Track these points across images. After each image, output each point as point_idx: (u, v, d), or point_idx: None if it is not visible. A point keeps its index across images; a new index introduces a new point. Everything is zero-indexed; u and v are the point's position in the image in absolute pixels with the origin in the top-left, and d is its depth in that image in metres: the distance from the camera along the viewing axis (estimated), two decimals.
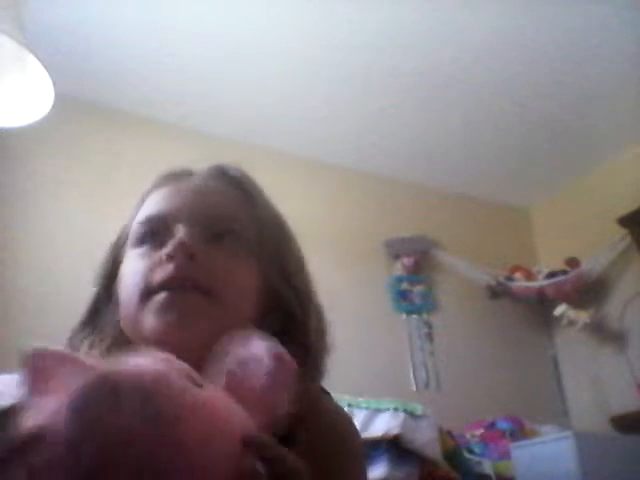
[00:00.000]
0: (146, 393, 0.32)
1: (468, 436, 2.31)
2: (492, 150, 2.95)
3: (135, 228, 0.63)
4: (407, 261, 2.88)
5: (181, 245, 0.57)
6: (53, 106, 1.51)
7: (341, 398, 1.73)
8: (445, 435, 2.06)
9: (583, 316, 2.78)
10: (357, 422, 1.87)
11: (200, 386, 0.37)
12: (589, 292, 2.86)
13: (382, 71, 2.47)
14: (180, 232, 0.59)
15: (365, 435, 1.86)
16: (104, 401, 0.31)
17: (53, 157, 2.30)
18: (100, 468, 0.31)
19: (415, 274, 2.90)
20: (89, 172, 2.34)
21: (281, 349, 0.43)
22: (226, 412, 0.37)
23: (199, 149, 2.65)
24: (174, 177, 0.67)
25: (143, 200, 0.66)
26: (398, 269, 2.89)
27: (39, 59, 1.40)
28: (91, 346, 0.62)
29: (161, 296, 0.56)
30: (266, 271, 0.61)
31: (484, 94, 2.61)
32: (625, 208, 2.70)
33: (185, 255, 0.56)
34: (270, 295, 0.61)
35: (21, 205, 2.19)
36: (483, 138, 2.87)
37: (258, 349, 0.43)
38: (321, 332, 0.63)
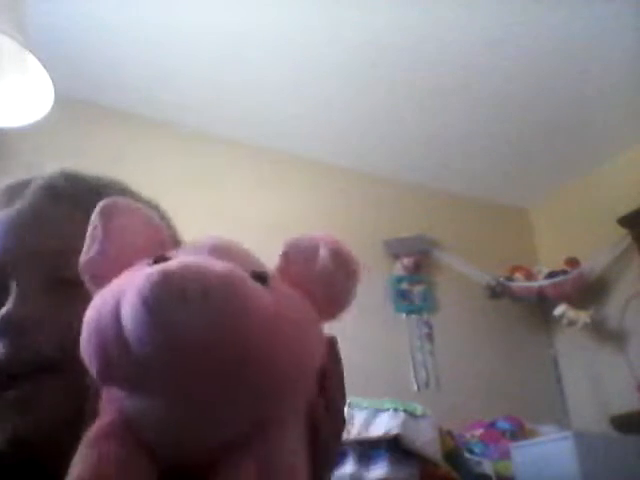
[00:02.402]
0: (215, 294, 0.29)
1: (468, 436, 2.31)
2: (492, 150, 2.95)
3: None
4: (407, 261, 2.88)
5: (8, 319, 0.45)
6: (53, 106, 1.51)
7: None
8: (445, 435, 2.06)
9: (583, 316, 2.78)
10: (357, 422, 1.88)
11: (266, 282, 0.34)
12: (589, 292, 2.86)
13: (382, 71, 2.47)
14: (11, 294, 0.47)
15: (365, 435, 1.86)
16: (173, 304, 0.29)
17: (53, 157, 2.29)
18: (175, 370, 0.30)
19: (415, 274, 2.90)
20: (89, 172, 2.34)
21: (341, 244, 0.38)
22: (306, 326, 0.35)
23: (199, 149, 2.65)
24: (4, 199, 0.55)
25: None
26: (398, 269, 2.89)
27: (39, 59, 1.40)
28: None
29: (7, 393, 0.46)
30: None
31: (484, 94, 2.62)
32: (625, 208, 2.70)
33: (15, 332, 0.45)
34: None
35: None
36: (483, 138, 2.87)
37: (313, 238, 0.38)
38: None
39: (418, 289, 2.90)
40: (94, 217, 0.38)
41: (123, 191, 0.60)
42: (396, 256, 2.90)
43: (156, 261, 0.34)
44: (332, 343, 0.42)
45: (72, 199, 0.54)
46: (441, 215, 3.12)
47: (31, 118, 1.53)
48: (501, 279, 2.92)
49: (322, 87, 2.54)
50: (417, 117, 2.73)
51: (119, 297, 0.32)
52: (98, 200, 0.40)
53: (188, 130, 2.59)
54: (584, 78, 2.54)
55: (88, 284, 0.38)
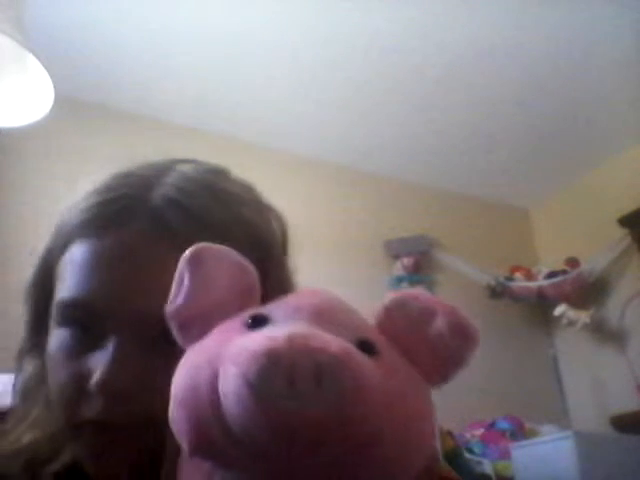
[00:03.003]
0: (328, 376, 0.27)
1: (468, 436, 2.31)
2: (492, 150, 2.95)
3: (56, 307, 0.51)
4: (407, 261, 2.88)
5: (105, 385, 0.45)
6: (53, 106, 1.51)
7: None
8: (445, 435, 2.06)
9: (583, 316, 2.77)
10: None
11: (375, 354, 0.32)
12: (589, 292, 2.86)
13: (382, 70, 2.47)
14: (110, 349, 0.46)
15: None
16: (282, 390, 0.27)
17: (53, 157, 2.30)
18: (279, 460, 0.29)
19: (415, 274, 2.90)
20: (89, 172, 2.34)
21: (464, 317, 0.36)
22: (417, 400, 0.34)
23: (199, 149, 2.65)
24: (102, 224, 0.51)
25: (67, 241, 0.53)
26: (398, 269, 2.89)
27: (39, 59, 1.40)
28: (28, 393, 0.56)
29: (89, 436, 0.47)
30: None
31: (484, 94, 2.61)
32: (625, 208, 2.70)
33: (111, 395, 0.45)
34: None
35: (20, 205, 2.19)
36: (483, 138, 2.87)
37: (430, 300, 0.36)
38: None
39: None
40: (181, 264, 0.37)
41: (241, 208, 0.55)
42: (396, 256, 2.90)
43: (254, 322, 0.33)
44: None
45: (182, 238, 0.46)
46: (441, 215, 3.12)
47: (31, 118, 1.53)
48: (501, 279, 2.92)
49: (322, 87, 2.53)
50: (417, 117, 2.72)
51: (216, 367, 0.30)
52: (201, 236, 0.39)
53: (188, 130, 2.59)
54: (584, 78, 2.54)
55: (175, 334, 0.37)
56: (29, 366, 0.57)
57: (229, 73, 2.44)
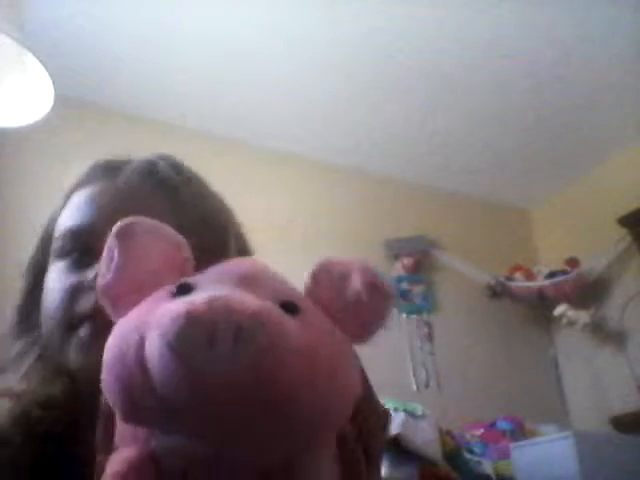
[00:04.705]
0: (246, 336, 0.27)
1: (468, 436, 2.31)
2: (492, 150, 2.95)
3: (57, 238, 0.58)
4: (407, 261, 2.88)
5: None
6: (53, 106, 1.51)
7: None
8: (445, 435, 2.06)
9: (583, 316, 2.77)
10: None
11: (298, 313, 0.32)
12: (589, 292, 2.86)
13: (382, 71, 2.47)
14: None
15: None
16: (202, 349, 0.27)
17: (53, 157, 2.30)
18: (198, 415, 0.29)
19: (415, 274, 2.90)
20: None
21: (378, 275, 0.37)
22: (339, 356, 0.34)
23: (199, 149, 2.65)
24: (100, 174, 0.61)
25: (68, 197, 0.62)
26: (398, 269, 2.89)
27: (39, 59, 1.40)
28: (23, 352, 0.58)
29: (84, 330, 0.51)
30: None
31: (484, 94, 2.61)
32: (625, 208, 2.70)
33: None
34: None
35: (20, 205, 2.19)
36: (483, 138, 2.87)
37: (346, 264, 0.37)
38: None
39: (418, 289, 2.90)
40: (110, 239, 0.37)
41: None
42: (396, 256, 2.90)
43: (179, 290, 0.33)
44: (363, 372, 0.41)
45: (165, 182, 0.60)
46: (441, 215, 3.12)
47: (31, 118, 1.53)
48: (501, 279, 2.92)
49: (322, 87, 2.53)
50: (417, 117, 2.72)
51: (142, 333, 0.31)
52: (186, 189, 0.56)
53: (188, 130, 2.59)
54: (584, 78, 2.54)
55: (107, 310, 0.37)
56: (20, 343, 0.60)
57: (230, 74, 2.44)
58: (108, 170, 0.62)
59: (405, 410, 1.93)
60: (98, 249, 0.49)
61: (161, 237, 0.38)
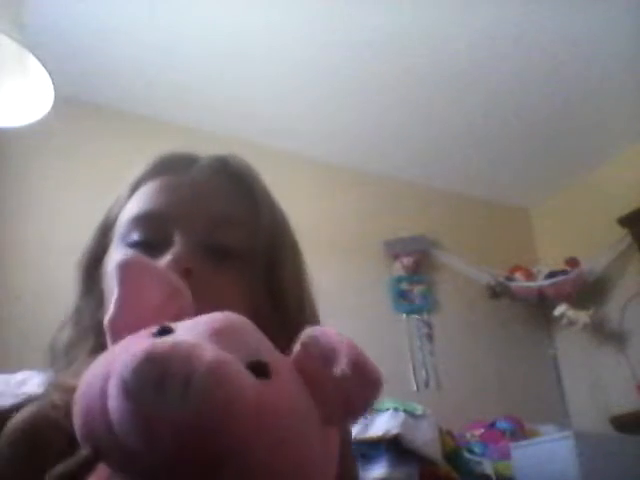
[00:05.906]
0: (196, 383, 0.28)
1: (468, 436, 2.32)
2: (492, 150, 2.95)
3: (126, 223, 0.58)
4: (407, 261, 2.88)
5: (177, 261, 0.51)
6: (53, 106, 1.51)
7: None
8: (445, 435, 2.06)
9: (583, 316, 2.77)
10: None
11: (268, 376, 0.32)
12: (589, 292, 2.86)
13: (382, 71, 2.47)
14: (177, 243, 0.54)
15: (365, 435, 1.86)
16: (152, 392, 0.27)
17: (53, 157, 2.30)
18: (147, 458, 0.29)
19: (415, 274, 2.90)
20: (89, 172, 2.34)
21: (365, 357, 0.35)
22: (303, 434, 0.32)
23: (200, 148, 2.65)
24: (171, 166, 0.62)
25: (136, 188, 0.62)
26: (398, 269, 2.89)
27: (39, 60, 1.40)
28: (71, 347, 0.58)
29: None
30: (257, 288, 0.56)
31: (484, 94, 2.62)
32: (625, 208, 2.70)
33: (180, 271, 0.50)
34: (260, 313, 0.52)
35: (21, 205, 2.19)
36: (483, 138, 2.87)
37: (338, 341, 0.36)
38: None
39: (418, 289, 2.90)
40: (115, 275, 0.38)
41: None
42: (396, 256, 2.90)
43: (160, 332, 0.33)
44: (345, 443, 0.40)
45: (238, 176, 0.63)
46: (441, 215, 3.12)
47: (31, 118, 1.53)
48: (501, 279, 2.92)
49: (322, 87, 2.54)
50: (417, 117, 2.73)
51: (108, 372, 0.31)
52: (256, 183, 0.61)
53: (189, 130, 2.59)
54: (584, 78, 2.54)
55: (109, 345, 0.37)
56: (71, 331, 0.60)
57: (230, 74, 2.44)
58: (178, 163, 0.63)
59: (405, 410, 1.93)
60: (170, 235, 0.54)
61: (158, 277, 0.39)
